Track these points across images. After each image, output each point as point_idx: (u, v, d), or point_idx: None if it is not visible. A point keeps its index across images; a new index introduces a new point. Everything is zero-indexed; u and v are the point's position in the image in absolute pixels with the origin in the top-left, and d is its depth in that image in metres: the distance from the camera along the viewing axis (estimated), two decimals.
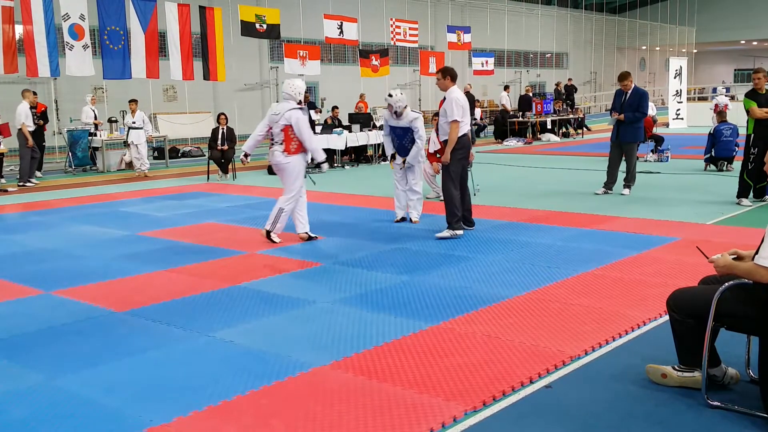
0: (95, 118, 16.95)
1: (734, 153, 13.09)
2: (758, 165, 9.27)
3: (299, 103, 7.78)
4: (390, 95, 8.52)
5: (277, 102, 18.08)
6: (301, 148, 7.74)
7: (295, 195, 7.79)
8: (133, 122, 15.54)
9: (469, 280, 6.02)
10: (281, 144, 7.74)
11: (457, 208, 7.86)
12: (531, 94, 24.00)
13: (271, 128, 7.85)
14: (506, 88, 25.25)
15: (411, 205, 8.94)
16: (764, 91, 9.36)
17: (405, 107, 8.59)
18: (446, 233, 7.82)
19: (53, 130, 19.30)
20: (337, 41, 23.08)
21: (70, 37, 15.94)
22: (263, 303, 5.52)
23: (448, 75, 7.95)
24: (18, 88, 15.56)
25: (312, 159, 8.02)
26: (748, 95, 9.45)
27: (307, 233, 7.91)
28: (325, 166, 8.12)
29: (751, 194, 9.71)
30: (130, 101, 15.90)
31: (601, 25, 44.11)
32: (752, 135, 9.43)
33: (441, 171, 7.98)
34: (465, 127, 7.87)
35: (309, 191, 12.25)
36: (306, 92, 20.10)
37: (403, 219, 8.96)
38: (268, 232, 7.78)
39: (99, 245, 7.97)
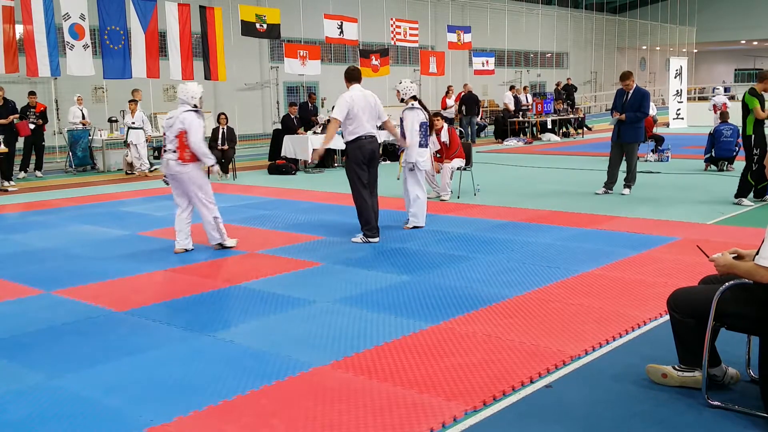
0: (83, 117, 16.80)
1: (734, 153, 13.08)
2: (761, 165, 9.26)
3: (194, 107, 7.30)
4: (400, 82, 8.73)
5: (285, 103, 18.13)
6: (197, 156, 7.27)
7: (213, 199, 7.47)
8: (133, 122, 15.51)
9: (469, 280, 6.02)
10: (175, 152, 7.23)
11: (370, 215, 7.64)
12: (520, 95, 24.15)
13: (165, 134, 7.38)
14: (512, 88, 25.25)
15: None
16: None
17: (411, 98, 8.56)
18: (359, 239, 7.71)
19: (53, 129, 19.28)
20: (337, 41, 23.07)
21: (70, 36, 15.94)
22: (263, 303, 5.52)
23: (345, 75, 7.84)
24: (19, 88, 15.53)
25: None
26: (751, 92, 9.39)
27: (185, 249, 7.45)
28: (216, 167, 7.82)
29: (751, 194, 9.70)
30: (129, 101, 15.89)
31: (601, 25, 44.10)
32: (753, 135, 9.42)
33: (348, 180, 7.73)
34: (360, 130, 7.56)
35: (310, 191, 12.31)
36: (312, 93, 19.89)
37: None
38: (221, 245, 7.51)
39: (99, 245, 7.97)
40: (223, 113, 15.05)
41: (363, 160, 7.62)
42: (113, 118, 17.82)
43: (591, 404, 3.61)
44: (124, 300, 5.68)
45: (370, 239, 7.66)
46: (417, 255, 7.04)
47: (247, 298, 5.66)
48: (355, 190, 7.67)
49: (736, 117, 14.03)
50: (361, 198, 7.64)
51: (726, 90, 30.80)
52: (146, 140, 15.95)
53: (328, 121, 16.63)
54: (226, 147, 14.31)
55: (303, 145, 15.15)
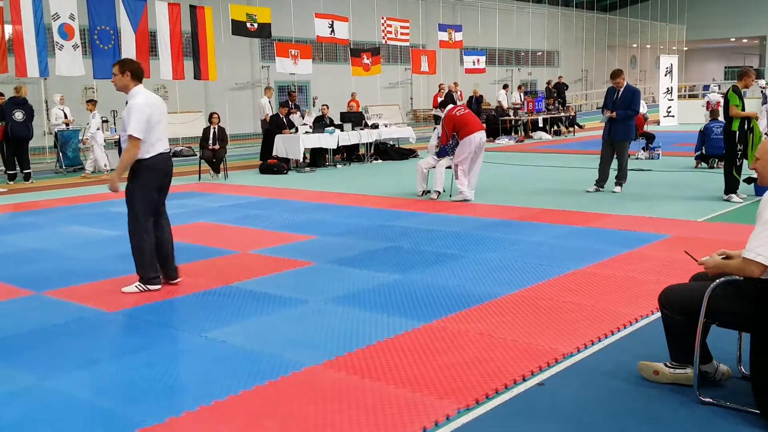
0: (65, 117, 16.59)
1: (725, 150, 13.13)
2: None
3: None
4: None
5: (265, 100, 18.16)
6: None
7: None
8: (87, 123, 15.34)
9: (462, 279, 6.02)
10: None
11: (151, 257, 5.94)
12: (479, 95, 24.64)
13: None
14: (505, 87, 25.36)
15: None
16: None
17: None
18: (134, 288, 5.92)
19: (44, 130, 19.21)
20: (328, 40, 23.08)
21: (59, 36, 15.87)
22: (255, 302, 5.51)
23: (127, 70, 5.87)
24: (7, 88, 15.45)
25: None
26: (734, 90, 9.50)
27: None
28: None
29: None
30: (87, 101, 15.79)
31: (592, 23, 44.23)
32: (737, 132, 9.49)
33: (128, 209, 6.04)
34: (160, 146, 5.88)
35: (301, 190, 12.30)
36: (293, 91, 19.98)
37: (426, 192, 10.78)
38: None
39: (90, 245, 7.93)
40: (215, 113, 15.01)
41: (156, 184, 5.98)
42: (104, 118, 17.73)
43: (583, 402, 3.62)
44: (116, 300, 5.66)
45: (150, 285, 5.94)
46: (409, 254, 7.04)
47: (239, 298, 5.64)
48: (138, 224, 5.99)
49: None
50: (143, 233, 5.97)
51: (718, 87, 31.00)
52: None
53: (320, 118, 16.81)
54: (217, 146, 14.28)
55: (294, 145, 15.14)
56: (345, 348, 4.43)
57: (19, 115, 14.22)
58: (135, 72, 5.89)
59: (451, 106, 10.74)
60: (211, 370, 4.14)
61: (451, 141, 10.40)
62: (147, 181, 5.89)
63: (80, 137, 16.52)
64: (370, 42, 28.02)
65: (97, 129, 15.35)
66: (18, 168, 14.47)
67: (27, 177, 14.45)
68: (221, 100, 24.62)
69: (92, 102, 15.81)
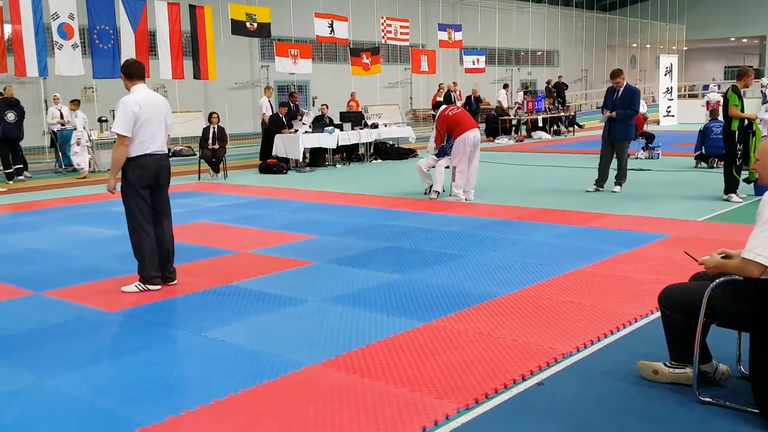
0: (61, 117, 16.49)
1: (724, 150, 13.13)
2: (745, 161, 9.47)
3: None
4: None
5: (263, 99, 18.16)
6: None
7: None
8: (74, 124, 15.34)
9: (461, 278, 6.02)
10: None
11: (151, 256, 5.93)
12: (477, 95, 24.66)
13: None
14: (505, 86, 25.36)
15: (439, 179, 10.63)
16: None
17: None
18: (134, 287, 5.92)
19: (43, 129, 19.20)
20: (327, 40, 23.07)
21: (59, 36, 15.87)
22: (255, 302, 5.51)
23: (121, 72, 6.06)
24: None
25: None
26: (734, 90, 9.49)
27: None
28: None
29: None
30: (71, 101, 15.74)
31: (591, 23, 44.21)
32: (737, 132, 9.49)
33: (125, 209, 6.09)
34: (149, 146, 5.86)
35: (301, 190, 12.29)
36: (294, 93, 19.96)
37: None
38: None
39: (90, 245, 7.93)
40: (215, 112, 15.01)
41: (144, 183, 5.92)
42: (103, 118, 17.73)
43: (583, 401, 3.62)
44: (115, 300, 5.66)
45: (150, 285, 5.94)
46: (409, 253, 7.04)
47: (238, 298, 5.65)
48: (136, 224, 6.00)
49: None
50: (142, 233, 5.98)
51: (718, 87, 31.03)
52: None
53: (320, 117, 16.81)
54: (217, 146, 14.28)
55: (294, 145, 15.14)
56: (344, 347, 4.44)
57: (11, 116, 14.25)
58: (127, 72, 5.98)
59: (443, 106, 10.75)
60: (211, 370, 4.14)
61: (445, 141, 10.40)
62: (134, 180, 5.89)
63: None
64: (369, 42, 28.01)
65: (83, 128, 15.31)
66: (12, 165, 14.43)
67: (20, 172, 14.42)
68: (221, 100, 24.61)
69: (75, 102, 15.79)
